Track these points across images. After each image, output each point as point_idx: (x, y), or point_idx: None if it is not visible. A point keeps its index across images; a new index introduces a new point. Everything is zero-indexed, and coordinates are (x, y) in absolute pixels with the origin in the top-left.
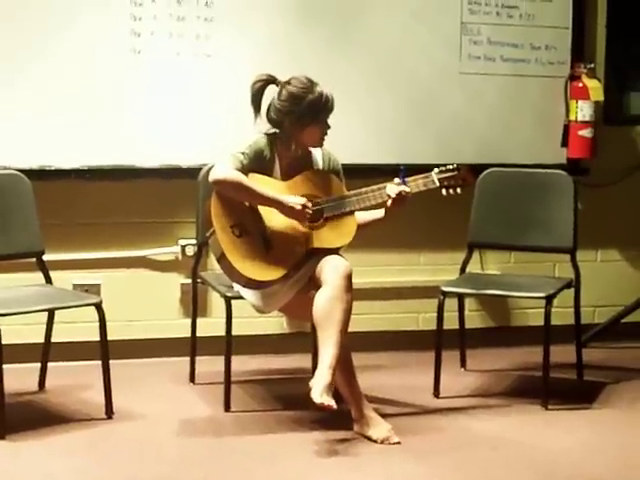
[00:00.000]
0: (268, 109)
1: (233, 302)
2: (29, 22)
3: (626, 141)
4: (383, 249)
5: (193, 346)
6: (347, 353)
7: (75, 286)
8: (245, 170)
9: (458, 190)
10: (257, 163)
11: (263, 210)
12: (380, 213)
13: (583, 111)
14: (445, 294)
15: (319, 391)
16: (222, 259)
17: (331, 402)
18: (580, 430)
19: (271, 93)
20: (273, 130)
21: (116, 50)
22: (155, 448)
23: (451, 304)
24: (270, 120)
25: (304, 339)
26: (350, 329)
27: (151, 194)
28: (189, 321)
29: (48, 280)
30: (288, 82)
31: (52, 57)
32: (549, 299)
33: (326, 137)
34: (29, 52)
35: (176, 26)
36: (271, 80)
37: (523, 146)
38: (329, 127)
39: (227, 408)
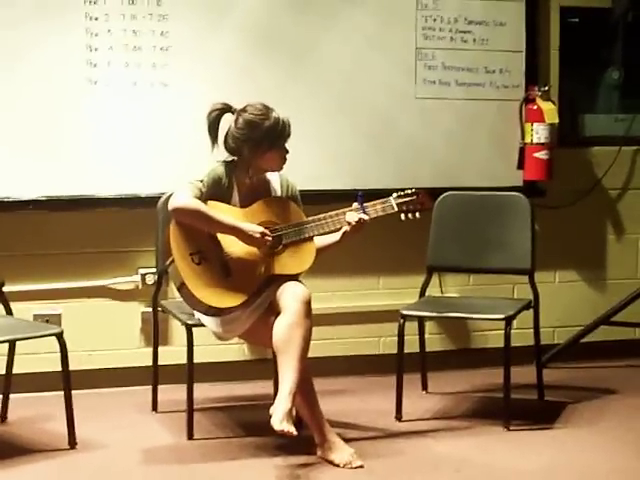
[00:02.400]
0: (226, 138)
1: (194, 330)
2: None
3: (581, 162)
4: (342, 274)
5: (155, 375)
6: (308, 378)
7: (36, 316)
8: (204, 198)
9: (417, 215)
10: (215, 191)
11: (222, 237)
12: (335, 237)
13: (538, 133)
14: (405, 317)
15: (279, 418)
16: (182, 287)
17: (291, 428)
18: (543, 450)
19: (228, 121)
20: (231, 158)
21: (73, 80)
22: (119, 477)
23: (411, 327)
24: (228, 148)
25: (265, 365)
26: (311, 354)
27: (110, 223)
28: (150, 350)
29: (8, 311)
30: (244, 110)
31: (9, 88)
32: (508, 320)
33: (285, 161)
34: None
35: (132, 56)
36: (227, 109)
37: (480, 169)
38: (287, 151)
39: (190, 436)
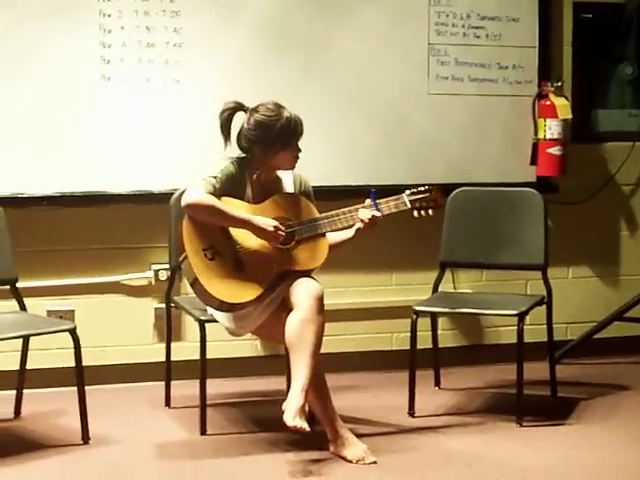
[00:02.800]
0: (238, 137)
1: (207, 325)
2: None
3: (595, 158)
4: (355, 270)
5: (168, 370)
6: (320, 374)
7: (49, 312)
8: (217, 194)
9: (430, 211)
10: (229, 187)
11: (235, 233)
12: (348, 233)
13: (551, 129)
14: (418, 313)
15: (292, 414)
16: (195, 283)
17: (304, 424)
18: (555, 446)
19: (240, 119)
20: (244, 154)
21: (86, 77)
22: (132, 473)
23: (424, 323)
24: (241, 148)
25: (278, 361)
26: (323, 350)
27: (123, 220)
28: (163, 345)
29: (22, 307)
30: (256, 109)
31: (22, 85)
32: (521, 316)
33: (298, 160)
34: (0, 81)
35: (145, 52)
36: (239, 107)
37: (493, 165)
38: (300, 150)
39: (203, 431)
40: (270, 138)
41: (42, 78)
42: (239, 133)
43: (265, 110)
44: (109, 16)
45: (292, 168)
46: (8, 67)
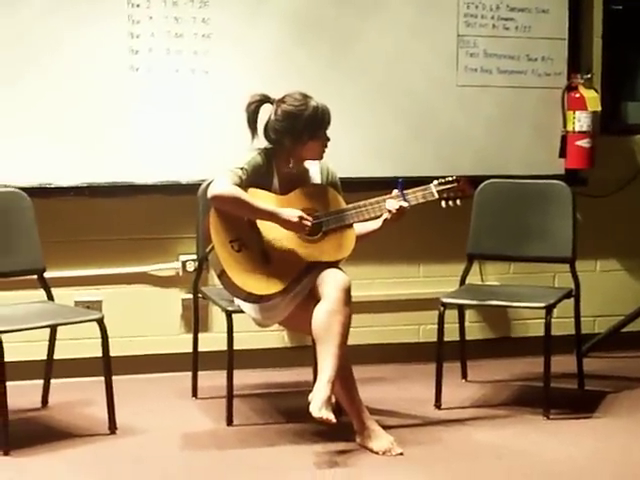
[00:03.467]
0: (265, 128)
1: (234, 316)
2: (28, 41)
3: (624, 151)
4: (382, 262)
5: (195, 361)
6: (347, 366)
7: (77, 303)
8: (244, 185)
9: (457, 202)
10: (255, 178)
11: (262, 224)
12: (376, 224)
13: (581, 121)
14: (445, 305)
15: (318, 405)
16: (222, 274)
17: (330, 416)
18: (582, 439)
19: (267, 111)
20: (271, 145)
21: (114, 68)
22: (159, 463)
23: (451, 316)
24: (268, 139)
25: (305, 352)
26: (350, 342)
27: (151, 210)
28: (191, 336)
29: (50, 297)
30: (283, 100)
31: (51, 75)
32: (549, 309)
33: (326, 149)
34: (28, 71)
35: (174, 43)
36: (265, 99)
37: (521, 157)
38: (328, 139)
39: (229, 422)
40: (298, 128)
41: (70, 69)
42: (266, 125)
43: (292, 100)
44: (137, 6)
45: (320, 158)
46: (37, 58)
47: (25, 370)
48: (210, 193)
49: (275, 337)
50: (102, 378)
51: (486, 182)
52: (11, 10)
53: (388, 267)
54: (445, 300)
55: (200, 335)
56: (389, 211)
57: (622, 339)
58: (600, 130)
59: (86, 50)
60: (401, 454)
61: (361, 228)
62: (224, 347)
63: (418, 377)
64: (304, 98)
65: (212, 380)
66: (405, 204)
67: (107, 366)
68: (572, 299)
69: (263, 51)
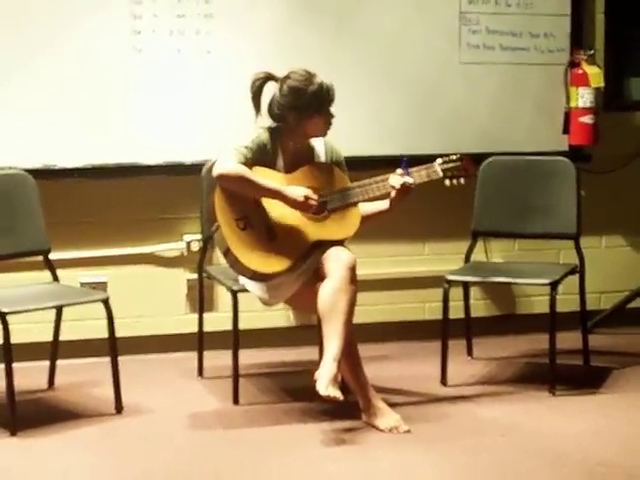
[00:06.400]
0: (270, 105)
1: (240, 296)
2: (31, 24)
3: (628, 127)
4: (387, 240)
5: (200, 341)
6: (353, 344)
7: (82, 284)
8: (248, 164)
9: (462, 180)
10: (260, 156)
11: (267, 203)
12: (384, 204)
13: (584, 98)
14: (450, 283)
15: (324, 383)
16: (227, 253)
17: (337, 393)
18: (588, 415)
19: (271, 90)
20: (275, 124)
21: (117, 49)
22: (165, 442)
23: (456, 293)
24: (273, 116)
25: (311, 331)
26: (356, 320)
27: (155, 191)
28: (196, 316)
29: (55, 278)
30: (287, 77)
31: (54, 58)
32: (554, 285)
33: (330, 126)
34: (32, 53)
35: (176, 23)
36: (269, 77)
37: (524, 134)
38: (333, 116)
39: (235, 401)
40: (303, 103)
41: (74, 51)
42: (271, 101)
43: (297, 76)
44: None
45: (324, 135)
46: (41, 42)
47: (31, 351)
48: (215, 172)
49: (280, 316)
50: (108, 359)
51: (490, 159)
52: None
53: (393, 245)
54: (450, 277)
55: (205, 315)
56: (393, 187)
57: (627, 315)
58: (604, 106)
59: (89, 32)
60: (408, 431)
61: (369, 208)
62: (230, 327)
63: (424, 354)
64: (309, 74)
65: (218, 360)
66: (410, 180)
67: (113, 346)
68: (577, 275)
69: (265, 30)
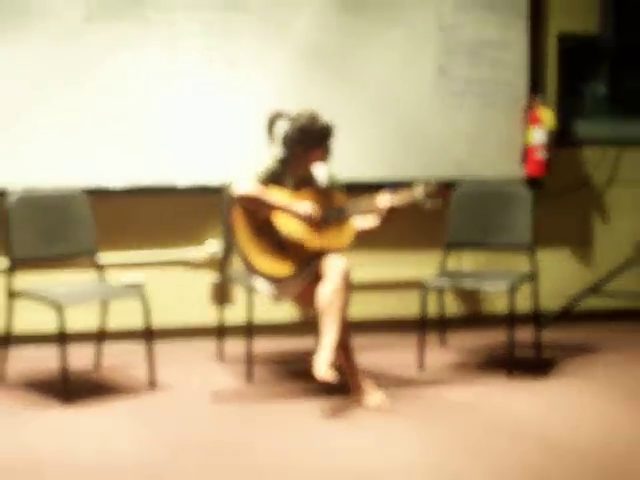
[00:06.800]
0: (282, 138)
1: (254, 294)
2: (80, 59)
3: (574, 161)
4: (377, 250)
5: (221, 331)
6: (347, 335)
7: (123, 282)
8: (262, 184)
9: (438, 202)
10: (272, 178)
11: (278, 217)
12: (374, 221)
13: (538, 135)
14: (428, 286)
15: (322, 367)
16: (244, 258)
17: (332, 376)
18: (540, 397)
19: (283, 124)
20: (285, 152)
21: (156, 87)
22: (190, 413)
23: (433, 295)
24: (284, 148)
25: (312, 325)
26: (350, 316)
27: (185, 206)
28: (217, 310)
29: (102, 277)
30: (296, 116)
31: (96, 89)
32: (512, 290)
33: (330, 157)
34: (85, 87)
35: (207, 66)
36: (282, 114)
37: (490, 164)
38: (331, 149)
39: (249, 381)
40: (308, 139)
41: (115, 82)
42: (283, 135)
43: (304, 117)
44: (178, 36)
45: (324, 162)
46: (92, 78)
47: (81, 337)
48: (235, 192)
49: (287, 311)
50: (144, 344)
51: (461, 184)
52: (77, 36)
53: (381, 254)
54: (428, 282)
55: (226, 309)
56: (382, 208)
57: (573, 315)
58: (555, 143)
59: (133, 71)
60: (390, 409)
61: (362, 224)
62: (245, 320)
63: (405, 345)
64: (314, 115)
65: (235, 347)
66: (396, 202)
67: (148, 334)
68: (532, 281)
69: (280, 74)
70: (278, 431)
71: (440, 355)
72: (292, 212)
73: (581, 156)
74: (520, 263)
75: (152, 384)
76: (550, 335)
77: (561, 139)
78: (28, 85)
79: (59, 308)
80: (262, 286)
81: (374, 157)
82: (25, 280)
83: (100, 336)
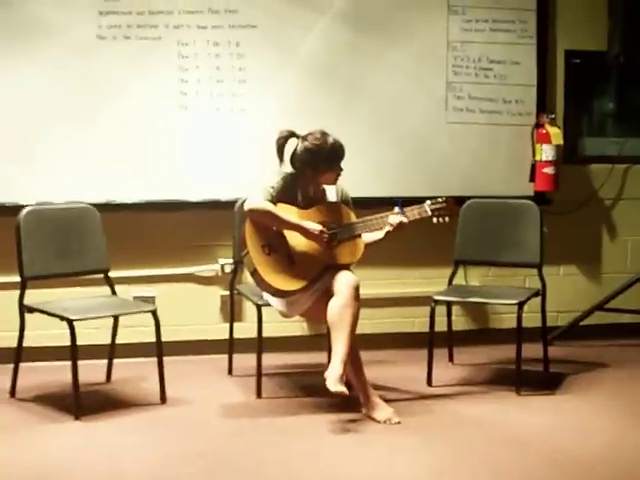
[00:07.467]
0: (292, 159)
1: (263, 309)
2: (100, 87)
3: (582, 177)
4: (386, 266)
5: (231, 345)
6: (356, 350)
7: (135, 297)
8: (273, 201)
9: (446, 219)
10: (283, 195)
11: (288, 233)
12: (380, 235)
13: (546, 153)
14: (436, 302)
15: (333, 381)
16: (254, 273)
17: (343, 389)
18: (546, 412)
19: (293, 142)
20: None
21: (168, 107)
22: (201, 427)
23: (441, 310)
24: (294, 167)
25: (321, 339)
26: (358, 331)
27: (195, 222)
28: (227, 325)
29: (113, 292)
30: (305, 138)
31: (118, 113)
32: (520, 305)
33: (339, 177)
34: (98, 110)
35: (216, 87)
36: (291, 135)
37: (499, 181)
38: (342, 170)
39: (259, 395)
40: (317, 162)
41: (133, 108)
42: (292, 156)
43: (313, 139)
44: (187, 57)
45: (334, 184)
46: (107, 100)
47: (93, 351)
48: (246, 207)
49: (296, 326)
50: (155, 359)
51: (470, 201)
52: (90, 54)
53: (390, 270)
54: (436, 297)
55: (235, 324)
56: (391, 225)
57: (580, 331)
58: (563, 160)
59: (145, 92)
60: (399, 422)
61: (368, 238)
62: (255, 334)
63: (413, 360)
64: (323, 136)
65: (245, 361)
66: (405, 219)
67: (159, 349)
68: (539, 297)
69: (288, 94)
70: (288, 445)
71: (448, 370)
72: (303, 229)
73: (589, 172)
74: (528, 278)
75: (163, 398)
76: (558, 351)
77: (569, 156)
78: (41, 102)
79: (71, 323)
80: (272, 301)
81: (384, 174)
82: (37, 295)
83: (111, 351)
